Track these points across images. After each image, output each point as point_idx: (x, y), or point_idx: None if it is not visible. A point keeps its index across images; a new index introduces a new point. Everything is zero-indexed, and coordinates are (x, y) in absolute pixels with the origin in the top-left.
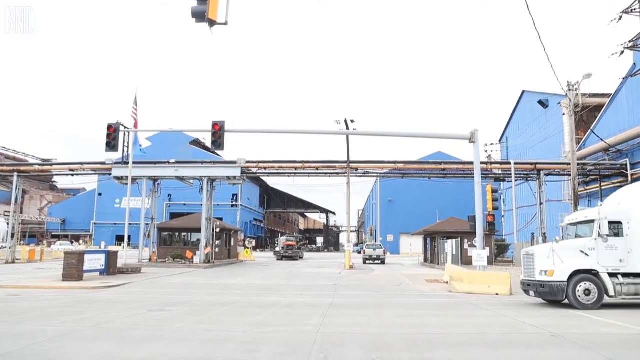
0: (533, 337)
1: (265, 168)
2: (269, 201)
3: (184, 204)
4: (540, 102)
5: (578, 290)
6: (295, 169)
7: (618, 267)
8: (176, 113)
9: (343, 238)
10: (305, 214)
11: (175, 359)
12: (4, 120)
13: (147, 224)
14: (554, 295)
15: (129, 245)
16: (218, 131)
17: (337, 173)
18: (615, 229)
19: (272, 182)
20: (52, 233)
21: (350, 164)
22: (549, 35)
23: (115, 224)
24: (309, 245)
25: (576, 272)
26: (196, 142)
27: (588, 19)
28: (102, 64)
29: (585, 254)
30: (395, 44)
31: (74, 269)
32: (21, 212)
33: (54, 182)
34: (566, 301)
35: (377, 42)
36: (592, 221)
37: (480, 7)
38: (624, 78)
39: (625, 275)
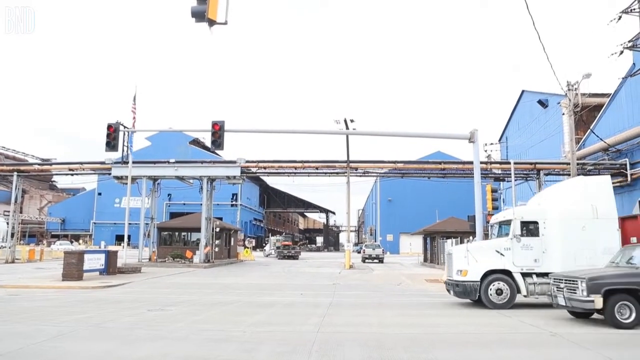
0: (533, 336)
1: (265, 168)
2: (269, 201)
3: (184, 204)
4: (540, 102)
5: (490, 290)
6: (295, 168)
7: (533, 267)
8: (176, 113)
9: (343, 238)
10: (305, 213)
11: (175, 358)
12: (3, 119)
13: (146, 224)
14: (467, 295)
15: (128, 244)
16: (218, 131)
17: (337, 173)
18: (531, 228)
19: (272, 181)
20: (52, 233)
21: (350, 164)
22: (549, 35)
23: (115, 223)
24: (308, 245)
25: (490, 272)
26: (196, 142)
27: (587, 19)
28: (101, 64)
29: (501, 254)
30: (395, 44)
31: (73, 269)
32: (21, 212)
33: (54, 181)
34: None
35: (376, 42)
36: (510, 221)
37: (480, 7)
38: (623, 78)
39: (539, 275)
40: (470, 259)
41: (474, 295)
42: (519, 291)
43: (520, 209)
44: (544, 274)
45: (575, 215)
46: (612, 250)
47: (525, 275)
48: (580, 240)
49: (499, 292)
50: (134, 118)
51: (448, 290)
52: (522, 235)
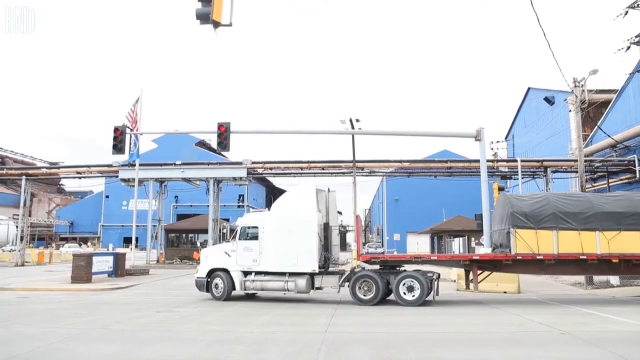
0: (542, 335)
1: (271, 168)
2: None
3: (191, 206)
4: (546, 99)
5: (212, 284)
6: (301, 169)
7: (251, 266)
8: (182, 115)
9: (350, 238)
10: None
11: (184, 359)
12: (4, 121)
13: (154, 226)
14: (200, 288)
15: (136, 247)
16: (223, 132)
17: (343, 173)
18: (253, 233)
19: (278, 182)
20: (61, 235)
21: (356, 164)
22: (554, 31)
23: (122, 226)
24: None
25: (214, 270)
26: (202, 144)
27: (593, 15)
28: (104, 65)
29: (228, 255)
30: (399, 43)
31: (82, 271)
32: (30, 215)
33: (62, 185)
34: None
35: (381, 41)
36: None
37: (484, 4)
38: (630, 74)
39: (258, 273)
40: (203, 259)
41: (204, 288)
42: (234, 287)
43: (245, 216)
44: (261, 272)
45: (285, 220)
46: (311, 251)
47: (247, 273)
48: (288, 242)
49: (216, 285)
50: (135, 121)
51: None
52: (245, 239)
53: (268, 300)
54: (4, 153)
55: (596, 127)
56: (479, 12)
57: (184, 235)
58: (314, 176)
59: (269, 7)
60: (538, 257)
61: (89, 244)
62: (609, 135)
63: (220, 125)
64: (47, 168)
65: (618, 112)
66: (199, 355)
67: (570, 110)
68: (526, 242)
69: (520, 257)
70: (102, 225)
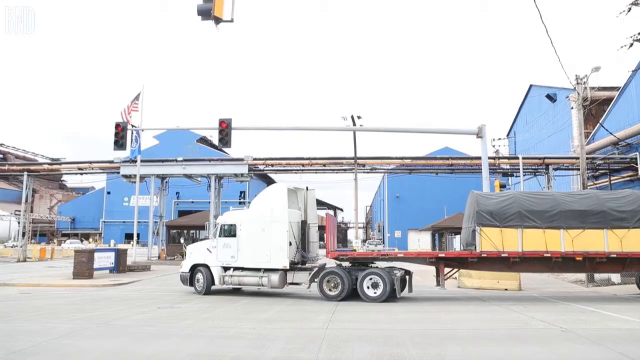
0: (543, 332)
1: (272, 165)
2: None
3: (192, 202)
4: (548, 96)
5: (194, 279)
6: (303, 165)
7: (230, 262)
8: (183, 111)
9: (351, 234)
10: None
11: (185, 355)
12: (6, 118)
13: (155, 222)
14: (184, 283)
15: (138, 243)
16: (225, 129)
17: (345, 169)
18: (232, 230)
19: (279, 178)
20: (62, 231)
21: (358, 160)
22: (556, 29)
23: (124, 222)
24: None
25: (196, 265)
26: (203, 140)
27: (596, 11)
28: (105, 63)
29: (209, 251)
30: (401, 40)
31: (84, 267)
32: (31, 211)
33: (63, 181)
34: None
35: (383, 38)
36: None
37: (487, 1)
38: (633, 71)
39: (236, 268)
40: (187, 255)
41: (187, 283)
42: (213, 281)
43: (225, 214)
44: (239, 268)
45: (258, 218)
46: (282, 249)
47: (227, 268)
48: (261, 240)
49: (198, 280)
50: (129, 114)
51: None
52: (225, 236)
53: (269, 297)
54: (5, 149)
55: (598, 124)
56: (481, 9)
57: (185, 231)
58: (315, 173)
59: (270, 4)
60: (503, 255)
61: (90, 240)
62: (611, 133)
63: (221, 122)
64: (48, 164)
65: (620, 109)
66: (201, 350)
67: (572, 108)
68: (491, 240)
69: (485, 255)
70: (104, 221)
